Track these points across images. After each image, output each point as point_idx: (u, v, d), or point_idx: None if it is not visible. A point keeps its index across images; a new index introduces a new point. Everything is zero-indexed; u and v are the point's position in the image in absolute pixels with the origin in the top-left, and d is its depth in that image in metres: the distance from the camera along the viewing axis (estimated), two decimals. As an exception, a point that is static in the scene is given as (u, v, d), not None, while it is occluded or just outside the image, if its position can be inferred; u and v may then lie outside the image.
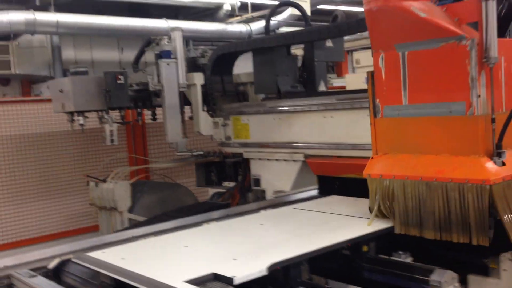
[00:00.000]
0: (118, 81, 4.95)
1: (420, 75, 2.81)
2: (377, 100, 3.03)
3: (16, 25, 8.89)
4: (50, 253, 3.29)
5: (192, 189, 6.15)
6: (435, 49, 2.71)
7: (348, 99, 3.90)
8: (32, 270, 3.05)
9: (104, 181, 5.36)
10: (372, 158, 3.06)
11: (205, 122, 5.09)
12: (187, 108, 5.33)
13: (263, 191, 4.74)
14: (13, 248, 6.25)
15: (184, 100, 5.19)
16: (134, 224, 4.84)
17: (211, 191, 5.53)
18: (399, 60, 2.87)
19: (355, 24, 3.67)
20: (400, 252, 2.67)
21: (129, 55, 11.90)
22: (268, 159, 4.64)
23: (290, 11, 9.29)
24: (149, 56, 5.87)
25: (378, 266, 2.66)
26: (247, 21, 11.68)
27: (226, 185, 5.31)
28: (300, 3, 7.02)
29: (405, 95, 2.88)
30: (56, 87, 5.19)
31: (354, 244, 2.70)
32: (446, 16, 2.71)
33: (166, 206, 5.32)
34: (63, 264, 3.08)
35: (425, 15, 2.70)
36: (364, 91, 3.30)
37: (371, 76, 3.09)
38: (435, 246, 2.75)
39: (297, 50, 5.37)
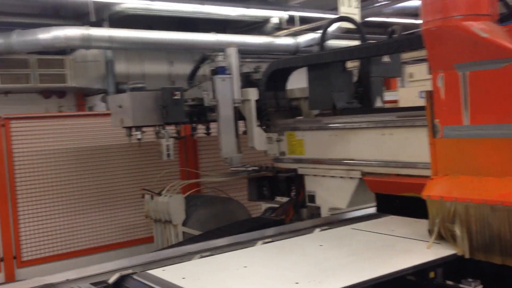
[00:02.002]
0: (175, 97, 5.04)
1: (481, 96, 2.73)
2: (436, 120, 2.96)
3: (72, 40, 9.24)
4: (110, 268, 3.36)
5: (244, 203, 6.16)
6: (497, 69, 2.63)
7: (408, 116, 3.81)
8: (93, 284, 3.11)
9: (159, 194, 5.44)
10: (432, 179, 2.98)
11: (259, 137, 5.09)
12: (241, 123, 5.36)
13: (318, 208, 4.68)
14: (72, 257, 6.45)
15: (238, 115, 5.22)
16: (189, 238, 4.89)
17: (264, 205, 5.52)
18: (459, 80, 2.80)
19: (416, 39, 3.58)
20: (470, 279, 2.56)
21: (179, 68, 12.18)
22: (323, 176, 4.58)
23: (339, 24, 9.26)
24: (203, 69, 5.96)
25: (445, 292, 2.57)
26: (295, 34, 11.69)
27: (279, 200, 5.29)
28: (349, 16, 6.98)
29: (466, 116, 2.80)
30: (115, 103, 5.32)
31: (420, 269, 2.61)
32: (508, 36, 2.63)
33: (219, 220, 5.34)
34: (123, 280, 3.13)
35: (487, 35, 2.62)
36: (423, 107, 3.22)
37: (430, 96, 3.02)
38: (508, 272, 2.63)
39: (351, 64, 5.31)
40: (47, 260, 6.35)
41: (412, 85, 7.53)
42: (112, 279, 3.12)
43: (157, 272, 2.82)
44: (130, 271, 3.11)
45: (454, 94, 2.82)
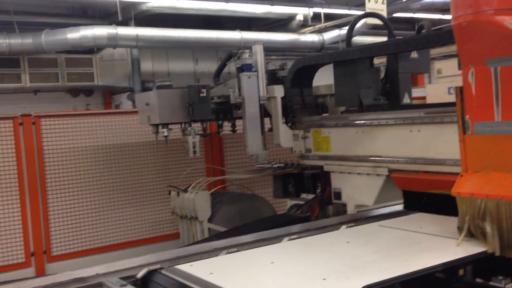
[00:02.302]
0: (201, 94, 5.07)
1: (514, 91, 2.67)
2: (467, 116, 2.90)
3: (100, 39, 9.38)
4: (138, 263, 3.41)
5: (269, 200, 6.17)
6: (530, 65, 2.57)
7: (437, 112, 3.76)
8: (122, 278, 3.16)
9: (185, 191, 5.49)
10: (462, 175, 2.93)
11: (285, 134, 5.09)
12: (266, 120, 5.36)
13: (344, 205, 4.66)
14: (100, 253, 6.57)
15: (264, 112, 5.23)
16: (215, 235, 4.92)
17: (289, 202, 5.52)
18: (491, 75, 2.74)
19: (446, 35, 3.53)
20: (500, 277, 2.52)
21: (203, 66, 12.25)
22: (349, 173, 4.56)
23: (365, 20, 9.18)
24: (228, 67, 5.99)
25: (475, 290, 2.53)
26: (320, 31, 11.63)
27: (304, 197, 5.28)
28: (376, 12, 6.91)
29: (497, 112, 2.74)
30: (143, 100, 5.38)
31: (450, 267, 2.57)
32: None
33: (244, 217, 5.36)
34: (151, 274, 3.17)
35: (519, 30, 2.56)
36: (453, 104, 3.17)
37: (460, 91, 2.97)
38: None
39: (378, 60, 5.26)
40: (76, 255, 6.47)
41: (441, 81, 7.40)
42: (140, 273, 3.17)
43: (184, 267, 2.84)
44: (158, 266, 3.15)
45: (485, 90, 2.77)
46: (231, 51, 5.45)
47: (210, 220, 5.41)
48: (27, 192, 6.27)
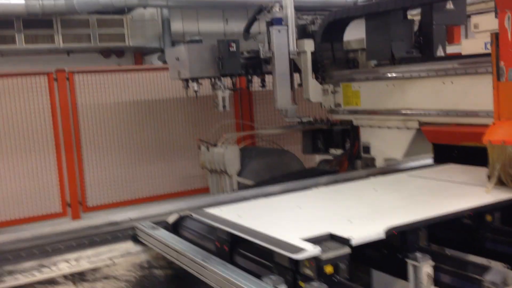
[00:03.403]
0: (231, 49, 5.06)
1: (550, 36, 2.59)
2: (502, 63, 2.83)
3: (130, -1, 9.37)
4: (169, 209, 3.52)
5: (298, 157, 6.18)
6: None
7: (471, 63, 3.67)
8: (154, 223, 3.27)
9: (215, 145, 5.55)
10: (494, 123, 2.88)
11: (314, 89, 5.06)
12: (296, 75, 5.33)
13: (373, 159, 4.65)
14: (133, 204, 6.76)
15: (294, 67, 5.19)
16: (244, 187, 4.99)
17: (318, 158, 5.53)
18: (528, 19, 2.65)
19: (482, -19, 3.41)
20: (529, 224, 2.50)
21: (234, 26, 12.14)
22: (379, 127, 4.53)
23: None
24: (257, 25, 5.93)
25: (503, 237, 2.52)
26: (353, -11, 11.32)
27: (333, 153, 5.28)
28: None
29: (533, 57, 2.66)
30: (173, 55, 5.41)
31: (477, 213, 2.56)
32: None
33: (273, 171, 5.40)
34: (181, 219, 3.27)
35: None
36: (488, 55, 3.09)
37: (496, 38, 2.88)
38: None
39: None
40: (110, 206, 6.69)
41: (477, 37, 7.14)
42: (171, 218, 3.27)
43: (213, 211, 2.90)
44: (187, 212, 3.25)
45: (521, 35, 2.69)
46: (261, 5, 5.38)
47: (239, 174, 5.48)
48: (63, 145, 6.47)
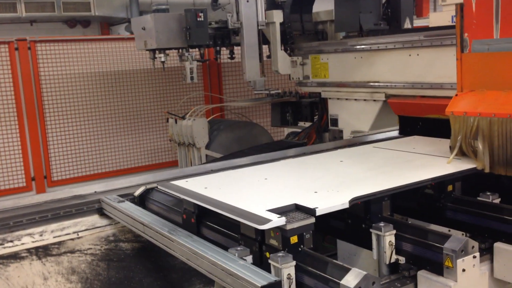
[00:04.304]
0: (199, 19, 4.96)
1: (513, 8, 2.62)
2: (466, 34, 2.86)
3: (96, -34, 9.07)
4: (136, 182, 3.49)
5: (267, 129, 6.19)
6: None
7: (437, 35, 3.70)
8: (120, 196, 3.24)
9: (183, 118, 5.50)
10: (457, 95, 2.93)
11: (283, 61, 5.04)
12: (265, 47, 5.29)
13: (341, 131, 4.69)
14: (99, 179, 6.67)
15: (263, 38, 5.14)
16: (212, 160, 4.98)
17: (286, 130, 5.55)
18: (491, -9, 2.68)
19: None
20: (488, 193, 2.57)
21: (203, -3, 11.93)
22: (346, 99, 4.55)
23: None
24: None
25: (463, 206, 2.58)
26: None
27: (302, 125, 5.30)
28: None
29: (496, 29, 2.69)
30: (139, 25, 5.28)
31: (438, 183, 2.62)
32: None
33: (242, 144, 5.41)
34: (148, 192, 3.24)
35: None
36: (453, 27, 3.11)
37: (460, 9, 2.91)
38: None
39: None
40: (76, 180, 6.59)
41: (445, 10, 7.19)
42: (138, 191, 3.24)
43: (179, 183, 2.88)
44: (154, 185, 3.22)
45: (485, 7, 2.71)
46: (229, -26, 5.29)
47: (207, 147, 5.47)
48: (25, 117, 6.30)
